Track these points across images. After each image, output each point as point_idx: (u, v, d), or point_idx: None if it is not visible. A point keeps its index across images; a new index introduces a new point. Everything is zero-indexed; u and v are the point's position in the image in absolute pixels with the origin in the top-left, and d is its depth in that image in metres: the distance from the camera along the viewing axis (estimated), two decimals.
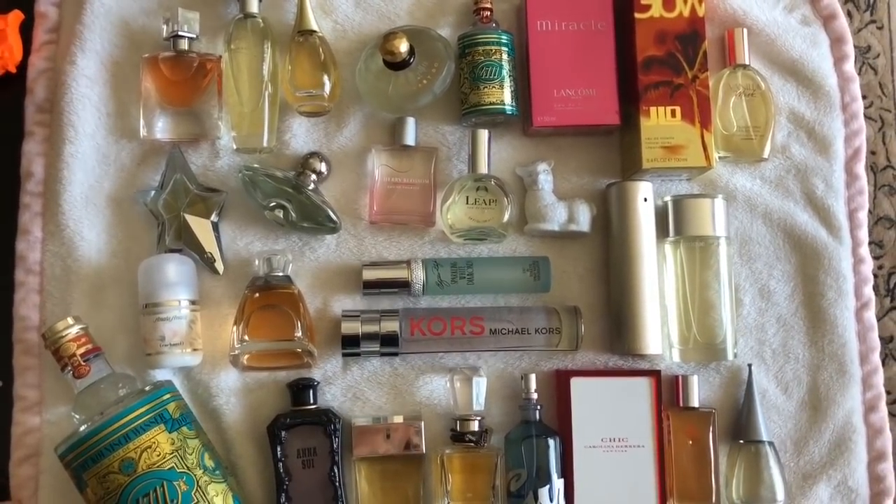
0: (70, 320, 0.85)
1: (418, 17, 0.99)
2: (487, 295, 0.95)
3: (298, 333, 0.87)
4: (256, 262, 0.91)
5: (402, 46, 0.89)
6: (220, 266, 0.92)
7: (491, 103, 0.93)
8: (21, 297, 0.91)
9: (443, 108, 0.97)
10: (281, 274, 0.90)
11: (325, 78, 0.93)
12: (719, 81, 0.97)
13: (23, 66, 0.95)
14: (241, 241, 0.94)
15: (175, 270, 0.89)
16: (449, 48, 0.94)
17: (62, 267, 0.91)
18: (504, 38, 0.94)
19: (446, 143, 0.97)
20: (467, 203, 0.91)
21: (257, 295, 0.88)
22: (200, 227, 0.91)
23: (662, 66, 0.93)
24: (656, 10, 0.94)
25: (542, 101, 0.94)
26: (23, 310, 0.90)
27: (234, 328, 0.87)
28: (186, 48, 0.93)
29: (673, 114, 0.92)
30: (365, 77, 0.95)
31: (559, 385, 0.93)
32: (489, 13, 0.96)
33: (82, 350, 0.84)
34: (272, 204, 0.91)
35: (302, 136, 0.96)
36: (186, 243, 0.91)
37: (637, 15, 0.93)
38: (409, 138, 0.94)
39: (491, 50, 0.94)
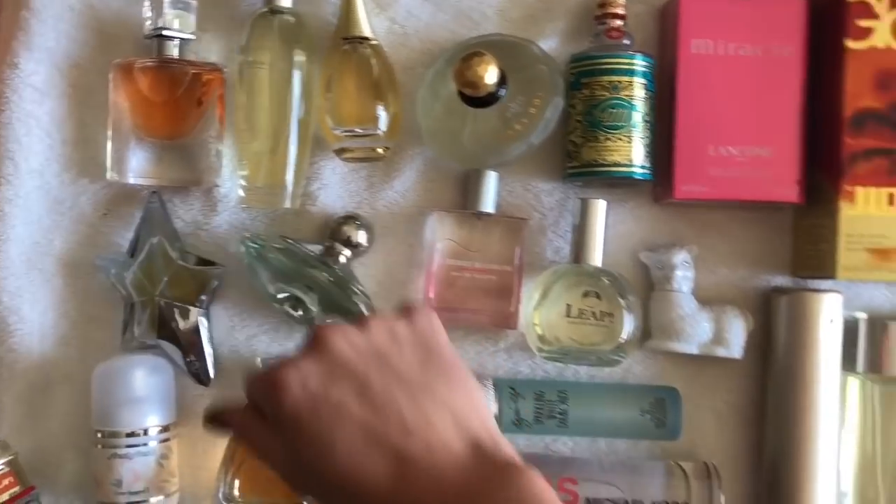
0: None
1: (514, 19, 0.68)
2: (584, 437, 0.67)
3: None
4: (259, 367, 0.64)
5: (489, 75, 0.59)
6: (208, 372, 0.65)
7: (615, 164, 0.63)
8: None
9: (537, 156, 0.67)
10: None
11: (381, 109, 0.63)
12: None
13: None
14: (241, 332, 0.66)
15: (143, 383, 0.62)
16: (558, 76, 0.63)
17: None
18: (641, 65, 0.63)
19: (540, 209, 0.67)
20: (568, 315, 0.62)
21: None
22: (184, 317, 0.64)
23: (882, 126, 0.61)
24: (881, 38, 0.61)
25: (690, 161, 0.63)
26: None
27: (222, 473, 0.61)
28: (176, 54, 0.64)
29: (891, 200, 0.61)
30: (430, 109, 0.65)
31: None
32: (621, 23, 0.65)
33: (5, 498, 0.59)
34: (283, 295, 0.63)
35: (335, 187, 0.67)
36: (164, 337, 0.64)
37: (849, 43, 0.61)
38: (488, 203, 0.65)
39: (620, 82, 0.63)
